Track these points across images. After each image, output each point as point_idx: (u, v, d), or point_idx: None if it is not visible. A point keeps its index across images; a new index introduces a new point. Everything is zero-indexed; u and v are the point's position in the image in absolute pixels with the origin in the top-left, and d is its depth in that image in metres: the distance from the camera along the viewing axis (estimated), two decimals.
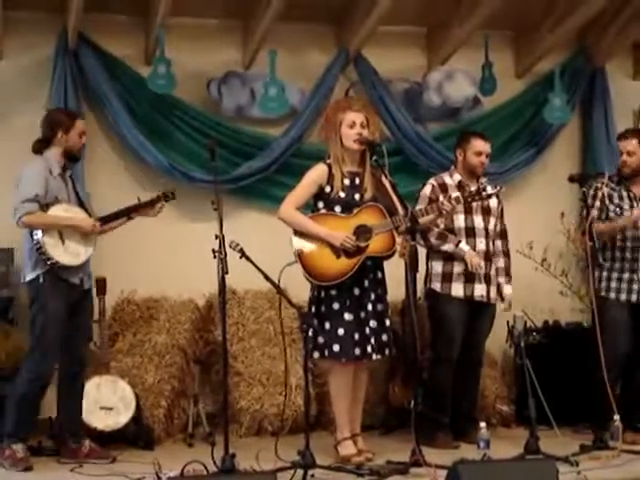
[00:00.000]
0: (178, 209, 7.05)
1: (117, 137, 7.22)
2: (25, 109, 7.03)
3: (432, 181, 6.46)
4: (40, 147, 5.91)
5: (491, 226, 6.44)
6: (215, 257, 5.20)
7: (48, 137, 5.89)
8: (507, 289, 6.53)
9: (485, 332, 6.54)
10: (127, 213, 6.05)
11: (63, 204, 5.77)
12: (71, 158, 5.92)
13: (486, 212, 6.42)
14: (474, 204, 6.27)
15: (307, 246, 5.67)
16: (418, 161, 7.69)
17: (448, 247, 6.28)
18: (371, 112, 5.99)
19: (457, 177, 6.42)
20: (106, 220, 5.95)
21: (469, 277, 6.30)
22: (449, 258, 6.32)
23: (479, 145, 6.44)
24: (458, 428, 6.43)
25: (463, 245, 6.27)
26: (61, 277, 5.72)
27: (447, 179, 6.45)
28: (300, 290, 5.92)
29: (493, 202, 6.45)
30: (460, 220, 6.36)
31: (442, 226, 6.32)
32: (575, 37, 8.05)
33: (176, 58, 7.09)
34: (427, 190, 6.40)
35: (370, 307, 5.71)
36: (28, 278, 5.75)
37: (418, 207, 6.06)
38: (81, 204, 5.92)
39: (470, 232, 6.36)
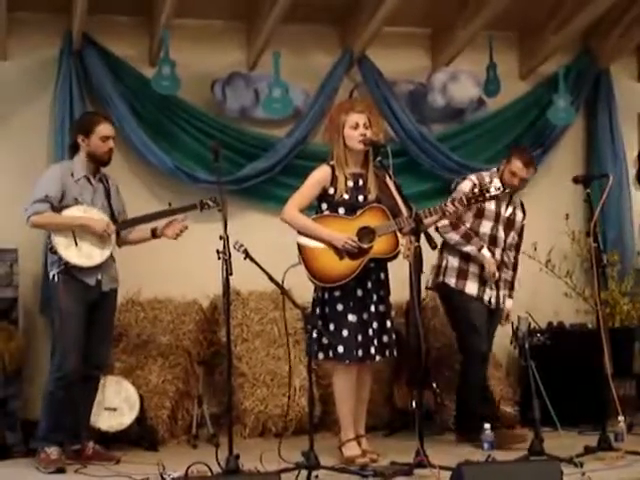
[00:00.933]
0: None
1: (121, 138, 7.18)
2: (30, 110, 7.06)
3: (473, 178, 6.44)
4: (70, 151, 5.99)
5: (509, 239, 6.50)
6: (219, 258, 5.20)
7: (72, 141, 5.96)
8: (508, 303, 6.60)
9: (494, 329, 6.57)
10: (151, 219, 6.05)
11: (82, 206, 5.80)
12: (97, 162, 5.92)
13: (509, 226, 6.50)
14: (502, 215, 6.40)
15: (310, 247, 5.67)
16: (422, 162, 7.69)
17: (470, 249, 6.32)
18: (375, 113, 5.98)
19: (497, 183, 6.22)
20: (125, 224, 5.97)
21: (482, 280, 6.34)
22: (466, 256, 6.35)
23: (516, 167, 6.40)
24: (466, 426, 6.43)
25: (485, 251, 6.31)
26: (76, 277, 5.75)
27: (487, 180, 6.41)
28: (304, 291, 5.93)
29: (519, 217, 6.56)
30: (487, 227, 6.40)
31: (468, 225, 6.36)
32: (579, 39, 8.05)
33: (180, 59, 7.09)
34: (466, 187, 6.33)
35: (372, 308, 5.71)
36: (50, 278, 5.81)
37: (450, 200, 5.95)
38: (111, 211, 5.94)
39: (492, 241, 6.41)
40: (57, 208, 5.73)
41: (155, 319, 7.11)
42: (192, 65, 7.30)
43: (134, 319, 7.10)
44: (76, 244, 5.72)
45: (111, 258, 5.92)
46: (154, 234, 6.09)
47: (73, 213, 5.77)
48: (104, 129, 5.89)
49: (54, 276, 5.75)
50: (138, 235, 6.11)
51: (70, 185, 5.81)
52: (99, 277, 5.85)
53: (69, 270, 5.72)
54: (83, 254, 5.75)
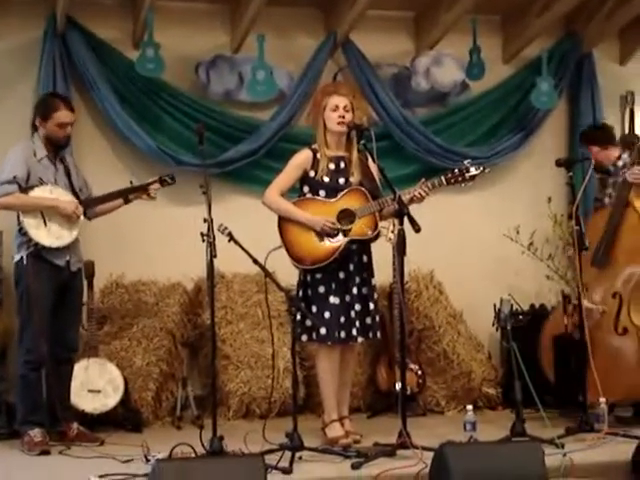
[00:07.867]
0: (167, 193, 6.99)
1: (105, 121, 7.20)
2: (13, 92, 7.03)
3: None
4: (32, 128, 5.93)
5: None
6: (204, 241, 5.22)
7: (32, 121, 5.92)
8: None
9: None
10: (116, 196, 6.05)
11: (48, 186, 5.78)
12: (53, 145, 5.90)
13: None
14: None
15: (292, 230, 5.70)
16: (405, 145, 7.70)
17: None
18: (359, 97, 6.00)
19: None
20: (90, 204, 5.96)
21: None
22: None
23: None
24: None
25: None
26: (45, 259, 5.74)
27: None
28: (288, 274, 5.95)
29: None
30: None
31: None
32: (562, 22, 8.05)
33: (164, 42, 7.07)
34: None
35: (355, 291, 5.73)
36: (15, 259, 5.80)
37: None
38: (73, 189, 5.91)
39: None
40: (24, 189, 5.71)
41: (139, 301, 7.11)
42: (176, 48, 7.28)
43: (118, 301, 7.11)
44: (45, 225, 5.71)
45: (77, 238, 5.91)
46: (126, 200, 6.08)
47: (40, 194, 5.73)
48: (62, 115, 5.84)
49: (22, 258, 5.72)
50: (108, 205, 6.07)
51: (34, 165, 5.78)
52: (68, 258, 5.85)
53: (39, 252, 5.71)
54: (53, 234, 5.73)
